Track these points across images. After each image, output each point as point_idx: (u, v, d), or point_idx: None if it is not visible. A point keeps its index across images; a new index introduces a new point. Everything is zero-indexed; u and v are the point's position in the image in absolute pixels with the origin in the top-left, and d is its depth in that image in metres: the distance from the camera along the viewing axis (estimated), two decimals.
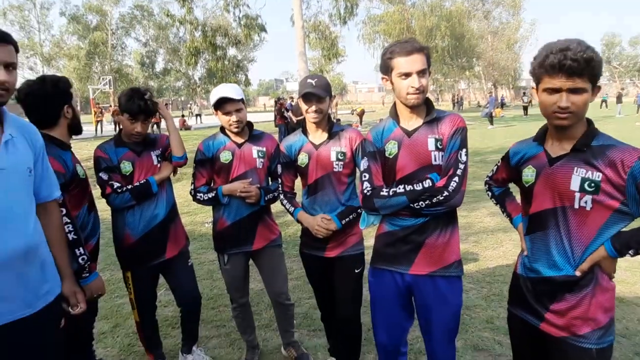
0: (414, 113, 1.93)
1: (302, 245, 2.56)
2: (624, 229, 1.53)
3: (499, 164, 1.92)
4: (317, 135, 2.40)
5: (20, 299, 1.55)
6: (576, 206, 1.52)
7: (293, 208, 2.46)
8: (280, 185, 2.53)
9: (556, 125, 1.54)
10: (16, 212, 1.55)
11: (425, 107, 1.94)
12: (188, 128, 26.67)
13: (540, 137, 1.68)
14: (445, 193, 1.82)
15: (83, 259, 2.05)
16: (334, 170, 2.33)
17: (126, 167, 2.52)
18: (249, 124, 2.71)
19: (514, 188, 1.91)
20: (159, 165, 2.61)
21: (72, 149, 2.32)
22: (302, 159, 2.41)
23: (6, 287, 1.51)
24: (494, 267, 4.37)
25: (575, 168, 1.53)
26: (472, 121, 26.53)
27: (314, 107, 2.26)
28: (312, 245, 2.43)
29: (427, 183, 1.86)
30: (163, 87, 52.11)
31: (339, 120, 19.75)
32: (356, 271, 2.40)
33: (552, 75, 1.46)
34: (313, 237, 2.36)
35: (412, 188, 1.86)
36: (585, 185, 1.50)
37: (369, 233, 2.20)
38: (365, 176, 2.00)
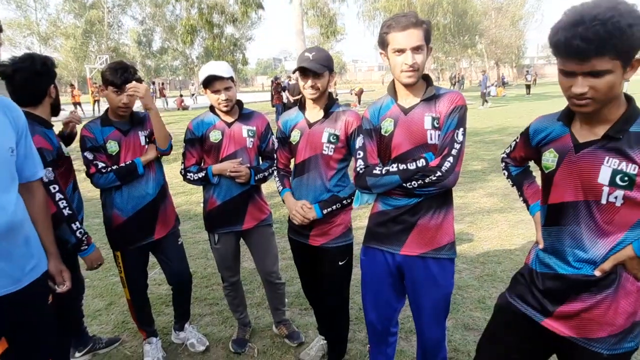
0: (410, 90, 1.85)
1: (289, 229, 2.50)
2: None
3: (517, 140, 1.69)
4: (314, 113, 2.27)
5: (6, 275, 1.55)
6: (603, 202, 1.30)
7: (282, 187, 2.40)
8: (275, 162, 2.48)
9: (576, 112, 1.33)
10: None
11: (424, 84, 1.87)
12: (186, 108, 26.47)
13: (566, 117, 1.43)
14: (438, 173, 1.76)
15: (80, 233, 2.17)
16: (323, 152, 2.22)
17: (112, 146, 2.46)
18: (239, 103, 2.65)
19: (534, 167, 1.76)
20: (146, 145, 2.55)
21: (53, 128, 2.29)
22: (295, 135, 2.31)
23: None
24: (488, 248, 4.37)
25: (607, 158, 1.29)
26: (472, 100, 26.32)
27: (310, 83, 2.14)
28: (296, 231, 2.37)
29: (421, 162, 1.80)
30: (160, 67, 51.55)
31: (336, 99, 19.62)
32: (340, 263, 2.33)
33: (562, 57, 1.23)
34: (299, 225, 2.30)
35: (405, 167, 1.81)
36: (617, 179, 1.27)
37: (364, 213, 2.16)
38: (359, 154, 1.95)
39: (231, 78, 2.48)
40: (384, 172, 1.85)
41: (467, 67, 58.35)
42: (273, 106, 17.52)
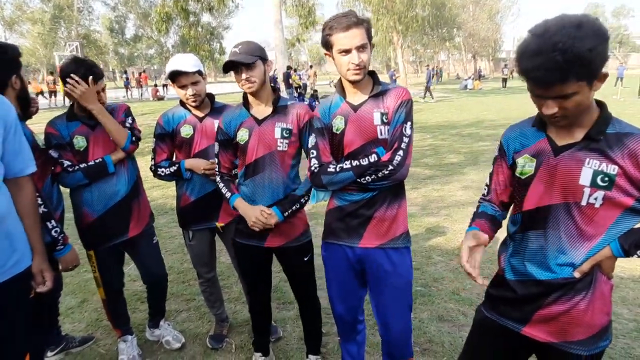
0: (358, 88, 1.89)
1: (237, 233, 2.32)
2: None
3: (491, 172, 1.63)
4: (260, 109, 2.17)
5: None
6: (583, 203, 1.32)
7: (230, 194, 2.20)
8: (217, 166, 2.29)
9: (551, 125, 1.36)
10: None
11: (370, 81, 1.92)
12: (161, 98, 25.93)
13: (541, 122, 1.44)
14: (390, 167, 1.81)
15: (56, 232, 2.12)
16: (278, 149, 2.13)
17: (79, 142, 2.37)
18: (210, 96, 2.60)
19: None
20: None
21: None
22: (242, 135, 2.16)
23: None
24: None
25: (588, 159, 1.31)
26: (449, 93, 26.66)
27: (244, 76, 2.05)
28: (249, 234, 2.22)
29: (373, 157, 1.85)
30: (134, 55, 50.19)
31: (316, 91, 19.50)
32: (305, 259, 2.32)
33: (528, 83, 1.27)
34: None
35: (358, 163, 1.85)
36: (598, 180, 1.29)
37: (323, 208, 2.15)
38: (313, 153, 1.97)
39: (199, 72, 2.41)
40: (337, 169, 1.88)
41: (445, 59, 58.94)
42: None
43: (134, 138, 2.47)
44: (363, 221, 1.93)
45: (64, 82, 2.27)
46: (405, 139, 1.83)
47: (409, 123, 1.84)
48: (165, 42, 43.35)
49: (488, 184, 1.67)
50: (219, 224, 2.60)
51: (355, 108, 1.89)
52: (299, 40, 28.74)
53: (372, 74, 1.93)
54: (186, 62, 2.38)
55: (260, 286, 2.44)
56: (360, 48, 1.77)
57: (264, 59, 2.11)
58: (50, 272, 1.86)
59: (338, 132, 1.92)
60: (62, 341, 2.79)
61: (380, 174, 1.82)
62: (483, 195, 1.70)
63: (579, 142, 1.33)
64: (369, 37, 1.81)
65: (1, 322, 1.64)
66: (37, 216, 1.84)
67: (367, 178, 1.84)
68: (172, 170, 2.51)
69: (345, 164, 1.87)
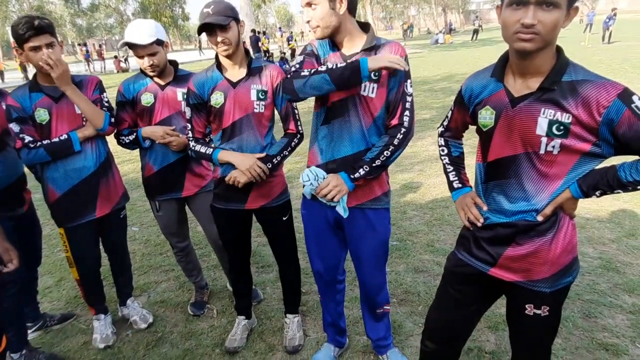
0: (350, 40, 1.81)
1: (215, 198, 2.29)
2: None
3: (452, 108, 1.69)
4: (234, 72, 2.13)
5: None
6: (542, 152, 1.36)
7: (211, 150, 2.15)
8: (189, 132, 2.20)
9: (517, 50, 1.31)
10: None
11: (362, 33, 1.83)
12: (125, 70, 24.92)
13: (499, 72, 1.44)
14: (403, 130, 1.78)
15: None
16: (255, 111, 2.11)
17: (41, 114, 2.23)
18: (174, 63, 2.51)
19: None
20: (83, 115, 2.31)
21: None
22: (217, 98, 2.12)
23: None
24: (436, 194, 4.55)
25: (543, 109, 1.33)
26: (421, 49, 26.45)
27: (219, 38, 1.99)
28: (229, 198, 2.22)
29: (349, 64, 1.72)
30: (93, 26, 47.68)
31: (284, 54, 19.04)
32: (284, 219, 2.34)
33: None
34: (231, 189, 2.15)
35: (333, 66, 1.70)
36: (554, 129, 1.32)
37: (300, 170, 2.13)
38: (296, 65, 1.83)
39: (157, 41, 2.30)
40: (311, 72, 1.75)
41: (416, 14, 58.03)
42: None
43: (112, 119, 2.37)
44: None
45: (20, 47, 2.11)
46: (409, 98, 1.78)
47: (409, 81, 1.79)
48: (125, 10, 41.22)
49: (449, 120, 1.73)
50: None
51: (346, 59, 1.80)
52: (264, 1, 27.72)
53: (367, 27, 1.85)
54: (142, 32, 2.27)
55: (240, 250, 2.45)
56: (308, 4, 1.73)
57: (237, 19, 2.04)
58: (15, 252, 1.83)
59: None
60: (39, 319, 2.77)
61: (396, 142, 1.77)
62: (443, 127, 1.77)
63: (534, 92, 1.35)
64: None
65: None
66: None
67: (386, 153, 1.78)
68: (132, 139, 2.44)
69: (321, 68, 1.74)
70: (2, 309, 2.00)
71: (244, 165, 2.08)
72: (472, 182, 1.69)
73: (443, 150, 1.78)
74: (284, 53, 19.41)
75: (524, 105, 1.37)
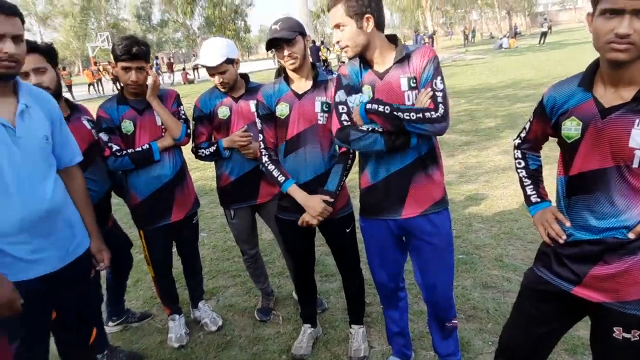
0: (380, 57, 1.85)
1: (280, 210, 2.36)
2: None
3: (530, 119, 1.61)
4: (301, 84, 2.21)
5: (51, 256, 1.70)
6: (635, 165, 1.28)
7: (283, 178, 2.18)
8: (261, 142, 2.26)
9: (610, 60, 1.24)
10: (36, 177, 1.65)
11: (392, 47, 1.87)
12: (191, 81, 26.29)
13: (588, 81, 1.37)
14: (436, 114, 1.73)
15: None
16: (319, 122, 2.16)
17: (127, 126, 2.45)
18: (245, 77, 2.64)
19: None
20: (162, 125, 2.50)
21: None
22: (282, 109, 2.19)
23: (37, 244, 1.65)
24: (504, 206, 4.37)
25: (637, 121, 1.26)
26: (484, 54, 25.60)
27: (286, 52, 2.09)
28: (293, 210, 2.23)
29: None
30: (162, 40, 50.91)
31: (343, 62, 19.18)
32: (347, 230, 2.36)
33: None
34: (296, 202, 2.18)
35: (399, 115, 1.73)
36: None
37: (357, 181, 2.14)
38: (343, 109, 1.89)
39: (227, 60, 2.43)
40: (369, 129, 1.80)
41: (478, 19, 56.28)
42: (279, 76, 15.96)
43: (188, 130, 2.56)
44: (402, 193, 1.91)
45: (115, 62, 2.36)
46: (439, 93, 1.76)
47: (439, 77, 1.77)
48: (191, 25, 43.48)
49: (527, 131, 1.66)
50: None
51: (381, 76, 1.86)
52: (323, 10, 28.13)
53: (395, 39, 1.89)
54: (212, 53, 2.42)
55: (305, 260, 2.50)
56: (336, 27, 1.80)
57: (303, 34, 2.14)
58: (107, 252, 2.01)
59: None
60: (123, 314, 2.99)
61: (427, 115, 1.72)
62: (520, 139, 1.70)
63: (628, 103, 1.27)
64: (356, 11, 1.76)
65: (69, 301, 1.83)
66: (89, 201, 1.97)
67: (411, 115, 1.72)
68: (212, 151, 2.57)
69: (378, 128, 1.79)
70: (92, 304, 2.18)
71: (313, 210, 2.14)
72: (551, 197, 1.62)
73: (520, 163, 1.72)
74: (343, 62, 19.56)
75: (616, 116, 1.30)
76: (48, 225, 1.68)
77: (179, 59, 50.73)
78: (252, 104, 2.56)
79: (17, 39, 1.58)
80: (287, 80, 2.24)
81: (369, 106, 1.78)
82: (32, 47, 2.07)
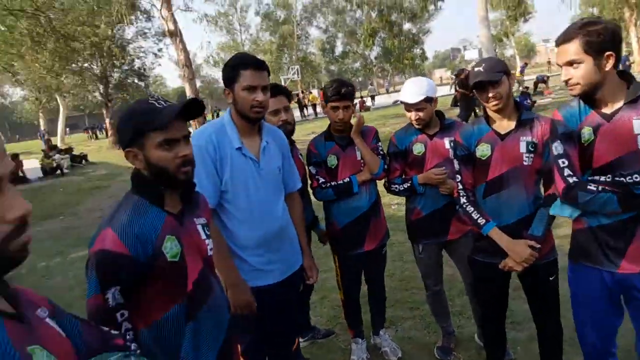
0: (608, 93, 1.70)
1: (476, 251, 2.30)
2: None
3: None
4: (503, 124, 2.15)
5: (278, 267, 2.06)
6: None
7: (484, 220, 2.13)
8: (459, 184, 2.25)
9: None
10: (272, 201, 2.05)
11: (624, 85, 1.69)
12: (367, 109, 27.64)
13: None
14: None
15: None
16: (524, 163, 2.07)
17: (332, 160, 2.73)
18: (439, 114, 2.70)
19: None
20: (362, 160, 2.72)
21: None
22: (483, 150, 2.16)
23: (269, 257, 2.02)
24: None
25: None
26: None
27: (490, 94, 2.06)
28: (492, 252, 2.16)
29: (636, 177, 1.60)
30: (342, 70, 54.79)
31: (527, 88, 17.66)
32: (551, 279, 2.19)
33: None
34: (495, 242, 2.11)
35: (622, 181, 1.62)
36: None
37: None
38: (564, 162, 1.78)
39: (425, 99, 2.51)
40: (600, 188, 1.65)
41: None
42: (455, 105, 13.95)
43: (386, 166, 2.75)
44: (623, 243, 1.71)
45: (325, 101, 2.70)
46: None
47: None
48: (369, 55, 45.97)
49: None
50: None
51: (608, 117, 1.70)
52: (507, 34, 26.58)
53: (628, 78, 1.72)
54: (413, 90, 2.55)
55: (498, 306, 2.39)
56: (569, 64, 1.70)
57: (507, 73, 2.12)
58: (317, 269, 2.34)
59: (586, 144, 1.78)
60: (310, 330, 3.30)
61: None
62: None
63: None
64: (596, 48, 1.64)
65: (284, 310, 2.13)
66: (304, 223, 2.34)
67: (634, 177, 1.61)
68: (406, 187, 2.68)
69: (608, 184, 1.66)
70: (296, 314, 2.48)
71: (518, 256, 2.06)
72: None
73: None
74: (527, 88, 18.06)
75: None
76: (278, 241, 2.03)
77: (356, 86, 53.72)
78: (446, 141, 2.60)
79: (265, 89, 1.98)
80: (488, 120, 2.21)
81: (590, 187, 1.70)
82: (279, 90, 2.58)
